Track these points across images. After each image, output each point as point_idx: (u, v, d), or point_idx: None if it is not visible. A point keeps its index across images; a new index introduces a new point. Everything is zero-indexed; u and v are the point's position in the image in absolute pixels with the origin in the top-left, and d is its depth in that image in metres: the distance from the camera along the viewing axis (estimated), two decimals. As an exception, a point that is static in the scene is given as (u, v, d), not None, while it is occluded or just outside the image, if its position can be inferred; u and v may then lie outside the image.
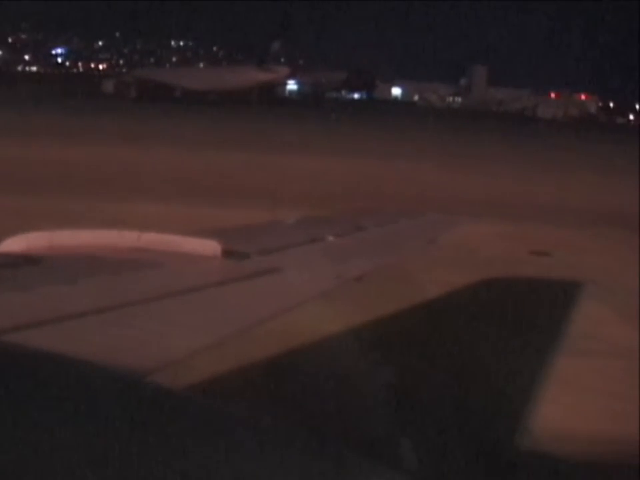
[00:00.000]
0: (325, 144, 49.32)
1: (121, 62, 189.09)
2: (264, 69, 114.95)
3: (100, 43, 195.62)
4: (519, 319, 13.90)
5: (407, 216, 11.64)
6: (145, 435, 2.14)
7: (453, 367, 11.40)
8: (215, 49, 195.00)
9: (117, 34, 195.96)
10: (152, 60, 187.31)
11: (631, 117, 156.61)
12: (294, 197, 24.79)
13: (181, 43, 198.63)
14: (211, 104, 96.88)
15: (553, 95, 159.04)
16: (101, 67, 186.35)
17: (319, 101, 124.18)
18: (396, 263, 10.92)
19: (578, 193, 33.76)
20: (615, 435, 9.56)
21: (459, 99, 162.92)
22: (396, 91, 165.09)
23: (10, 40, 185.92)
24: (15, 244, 6.61)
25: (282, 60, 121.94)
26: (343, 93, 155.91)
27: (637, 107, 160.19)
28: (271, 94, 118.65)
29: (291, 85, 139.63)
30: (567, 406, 10.16)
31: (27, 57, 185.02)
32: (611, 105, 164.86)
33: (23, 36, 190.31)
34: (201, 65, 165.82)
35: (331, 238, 8.65)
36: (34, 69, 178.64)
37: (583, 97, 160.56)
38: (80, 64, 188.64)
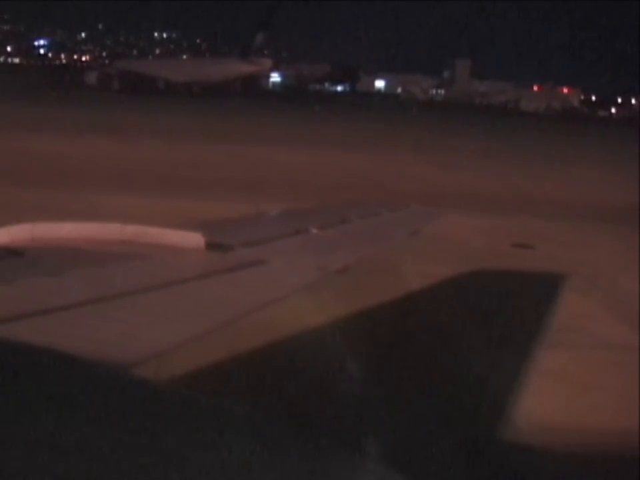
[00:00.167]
0: (306, 136, 49.29)
1: (104, 54, 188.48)
2: (247, 61, 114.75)
3: (83, 35, 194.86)
4: (501, 311, 13.96)
5: (390, 208, 11.65)
6: (129, 428, 2.14)
7: (435, 359, 11.43)
8: (198, 40, 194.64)
9: (100, 26, 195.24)
10: (135, 52, 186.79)
11: (613, 109, 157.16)
12: (276, 190, 24.77)
13: (164, 35, 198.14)
14: (194, 96, 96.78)
15: (535, 88, 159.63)
16: (83, 58, 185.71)
17: (302, 93, 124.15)
18: (379, 255, 10.94)
19: (563, 186, 33.87)
20: (596, 426, 9.61)
21: (442, 92, 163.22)
22: (379, 84, 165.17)
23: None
24: (-2, 236, 6.59)
25: (265, 52, 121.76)
26: (326, 85, 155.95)
27: (619, 99, 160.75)
28: (254, 86, 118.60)
29: (274, 77, 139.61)
30: (548, 398, 10.21)
31: (8, 49, 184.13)
32: (593, 98, 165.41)
33: (5, 27, 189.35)
34: (184, 56, 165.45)
35: (314, 230, 8.66)
36: (16, 60, 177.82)
37: (565, 90, 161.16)
38: (63, 56, 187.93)
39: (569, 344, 12.51)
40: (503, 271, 17.29)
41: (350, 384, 10.09)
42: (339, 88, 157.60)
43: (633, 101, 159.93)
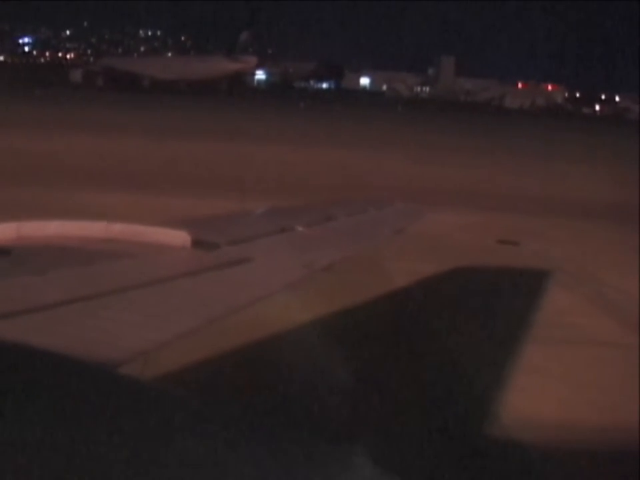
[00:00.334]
0: (289, 133, 49.23)
1: (89, 51, 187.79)
2: (232, 58, 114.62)
3: (67, 33, 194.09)
4: (487, 308, 14.01)
5: (375, 206, 11.67)
6: (117, 426, 2.15)
7: (421, 355, 11.46)
8: (183, 38, 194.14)
9: (85, 23, 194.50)
10: (120, 49, 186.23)
11: (597, 106, 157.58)
12: (261, 186, 24.76)
13: (149, 33, 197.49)
14: (179, 93, 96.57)
15: (520, 85, 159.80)
16: (68, 56, 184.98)
17: (287, 90, 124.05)
18: (365, 253, 10.96)
19: (549, 183, 33.91)
20: (580, 421, 9.66)
21: (426, 89, 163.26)
22: (364, 81, 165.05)
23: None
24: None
25: (250, 50, 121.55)
26: (312, 82, 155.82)
27: (602, 96, 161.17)
28: (239, 84, 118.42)
29: (260, 75, 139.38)
30: (533, 393, 10.24)
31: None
32: (577, 95, 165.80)
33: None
34: (169, 54, 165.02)
35: (300, 228, 8.68)
36: (0, 58, 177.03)
37: (549, 87, 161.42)
38: (47, 53, 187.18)
39: (554, 340, 12.56)
40: (487, 267, 17.34)
41: (336, 381, 10.10)
42: (324, 85, 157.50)
43: (617, 98, 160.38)
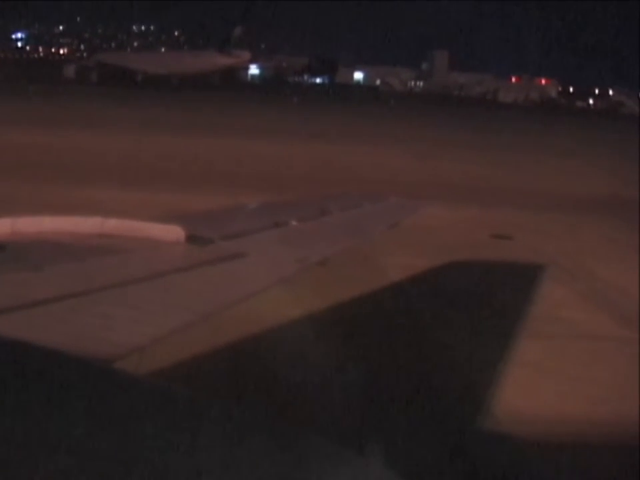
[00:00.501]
0: (283, 127, 49.19)
1: (82, 47, 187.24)
2: (226, 53, 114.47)
3: (61, 28, 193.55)
4: (480, 302, 14.03)
5: (370, 200, 11.67)
6: (111, 422, 2.15)
7: (415, 350, 11.47)
8: (176, 33, 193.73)
9: (78, 18, 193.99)
10: (113, 44, 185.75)
11: (591, 100, 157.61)
12: (255, 181, 24.77)
13: (143, 28, 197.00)
14: (172, 88, 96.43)
15: (513, 80, 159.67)
16: (62, 51, 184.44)
17: (281, 85, 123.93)
18: (359, 247, 10.97)
19: (543, 177, 33.94)
20: (574, 415, 9.68)
21: (420, 84, 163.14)
22: (358, 76, 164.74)
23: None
24: (-23, 231, 6.57)
25: (244, 45, 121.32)
26: (305, 77, 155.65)
27: (596, 91, 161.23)
28: (232, 78, 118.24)
29: (253, 70, 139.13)
30: (526, 388, 10.26)
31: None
32: (571, 89, 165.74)
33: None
34: (163, 49, 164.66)
35: (294, 222, 8.68)
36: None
37: (543, 81, 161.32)
38: (40, 48, 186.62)
39: (548, 334, 12.58)
40: (481, 261, 17.36)
41: (331, 377, 10.11)
42: (318, 80, 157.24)
43: (611, 92, 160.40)
